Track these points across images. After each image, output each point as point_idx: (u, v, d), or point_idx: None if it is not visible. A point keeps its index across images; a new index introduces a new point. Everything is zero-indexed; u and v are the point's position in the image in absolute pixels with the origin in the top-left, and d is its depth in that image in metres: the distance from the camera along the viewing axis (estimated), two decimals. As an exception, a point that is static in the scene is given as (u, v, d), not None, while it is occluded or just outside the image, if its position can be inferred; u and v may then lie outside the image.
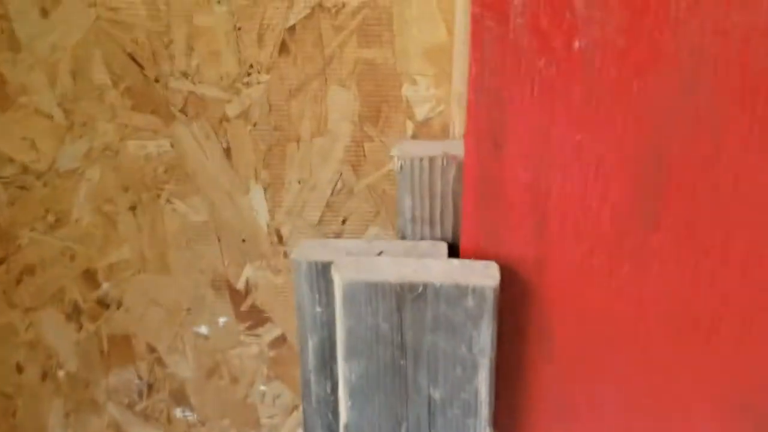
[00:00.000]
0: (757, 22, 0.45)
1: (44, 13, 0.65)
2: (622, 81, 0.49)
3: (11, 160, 0.71)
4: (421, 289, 0.51)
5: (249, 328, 0.80)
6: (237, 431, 0.84)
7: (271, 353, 0.82)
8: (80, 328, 0.80)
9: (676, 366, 0.58)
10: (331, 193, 0.73)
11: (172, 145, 0.71)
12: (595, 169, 0.51)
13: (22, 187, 0.72)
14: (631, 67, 0.48)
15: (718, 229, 0.52)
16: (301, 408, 0.82)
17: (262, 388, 0.83)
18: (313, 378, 0.61)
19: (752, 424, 0.60)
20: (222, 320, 0.80)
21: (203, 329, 0.80)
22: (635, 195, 0.52)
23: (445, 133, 0.68)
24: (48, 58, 0.67)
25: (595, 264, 0.54)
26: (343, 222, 0.74)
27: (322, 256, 0.55)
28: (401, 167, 0.54)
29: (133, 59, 0.67)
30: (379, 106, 0.68)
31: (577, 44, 0.48)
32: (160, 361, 0.82)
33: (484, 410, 0.55)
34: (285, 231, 0.75)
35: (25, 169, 0.71)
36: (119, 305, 0.79)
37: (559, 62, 0.48)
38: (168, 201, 0.74)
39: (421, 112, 0.68)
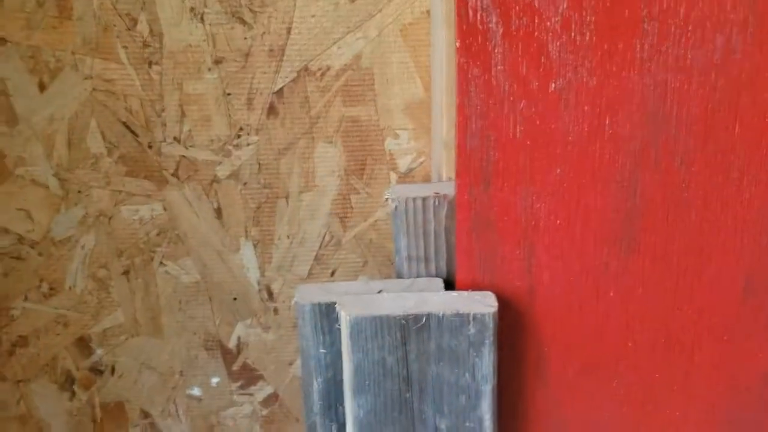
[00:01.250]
0: (711, 58, 0.51)
1: (42, 86, 0.68)
2: (595, 117, 0.54)
3: (6, 231, 0.73)
4: (424, 319, 0.54)
5: (241, 387, 0.82)
6: (233, 494, 0.84)
7: (264, 412, 0.83)
8: (73, 396, 0.80)
9: (665, 384, 0.61)
10: (320, 246, 0.76)
11: (164, 209, 0.74)
12: (576, 199, 0.56)
13: (17, 258, 0.73)
14: (602, 105, 0.53)
15: (693, 248, 0.57)
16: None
17: (257, 447, 0.83)
18: (318, 421, 0.63)
19: (738, 438, 0.64)
20: (215, 380, 0.81)
21: (196, 391, 0.81)
22: (614, 222, 0.56)
23: (426, 181, 0.72)
24: (45, 130, 0.69)
25: (583, 289, 0.58)
26: (332, 274, 0.77)
27: (324, 298, 0.58)
28: (396, 208, 0.57)
29: (128, 127, 0.70)
30: (364, 159, 0.72)
31: (552, 86, 0.53)
32: (153, 426, 0.82)
33: (489, 437, 0.58)
34: (275, 287, 0.77)
35: (20, 240, 0.73)
36: (113, 371, 0.79)
37: (538, 103, 0.53)
38: (161, 263, 0.76)
39: (403, 163, 0.72)
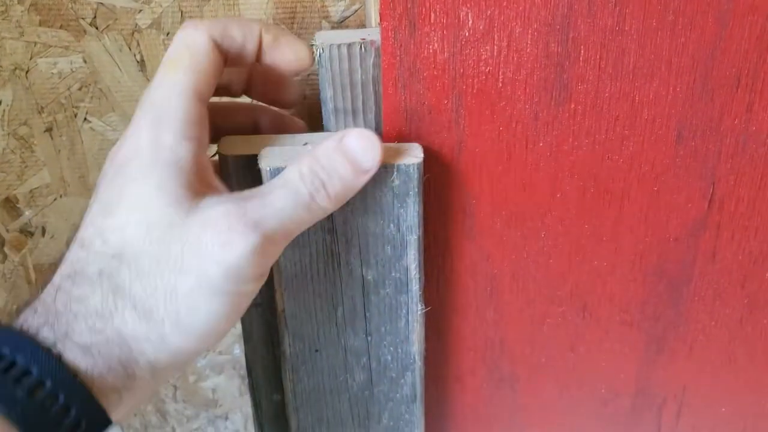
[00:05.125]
0: None
1: (-66, -77, 0.62)
2: (527, -46, 0.50)
3: None
4: (346, 171, 0.52)
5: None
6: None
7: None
8: (5, 259, 0.78)
9: (593, 235, 0.62)
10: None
11: (84, 61, 0.70)
12: (507, 44, 0.53)
13: (-72, 113, 0.70)
14: (535, -60, 0.50)
15: (625, 96, 0.55)
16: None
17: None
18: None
19: (665, 287, 0.65)
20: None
21: (133, 251, 0.80)
22: (545, 69, 0.54)
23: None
24: (-57, -27, 0.64)
25: (511, 140, 0.57)
26: (267, 131, 0.74)
27: (247, 150, 0.56)
28: (320, 56, 0.54)
29: (36, -30, 0.65)
30: (293, 7, 0.68)
31: None
32: (91, 287, 0.81)
33: (415, 287, 0.58)
34: (208, 145, 0.75)
35: (-71, 94, 0.69)
36: (44, 232, 0.77)
37: (467, -63, 0.49)
38: (85, 120, 0.72)
39: (336, 11, 0.68)
